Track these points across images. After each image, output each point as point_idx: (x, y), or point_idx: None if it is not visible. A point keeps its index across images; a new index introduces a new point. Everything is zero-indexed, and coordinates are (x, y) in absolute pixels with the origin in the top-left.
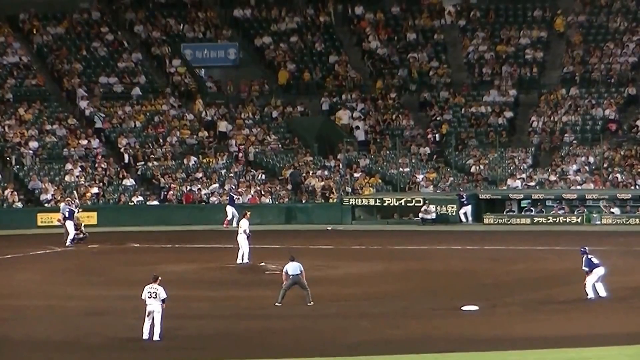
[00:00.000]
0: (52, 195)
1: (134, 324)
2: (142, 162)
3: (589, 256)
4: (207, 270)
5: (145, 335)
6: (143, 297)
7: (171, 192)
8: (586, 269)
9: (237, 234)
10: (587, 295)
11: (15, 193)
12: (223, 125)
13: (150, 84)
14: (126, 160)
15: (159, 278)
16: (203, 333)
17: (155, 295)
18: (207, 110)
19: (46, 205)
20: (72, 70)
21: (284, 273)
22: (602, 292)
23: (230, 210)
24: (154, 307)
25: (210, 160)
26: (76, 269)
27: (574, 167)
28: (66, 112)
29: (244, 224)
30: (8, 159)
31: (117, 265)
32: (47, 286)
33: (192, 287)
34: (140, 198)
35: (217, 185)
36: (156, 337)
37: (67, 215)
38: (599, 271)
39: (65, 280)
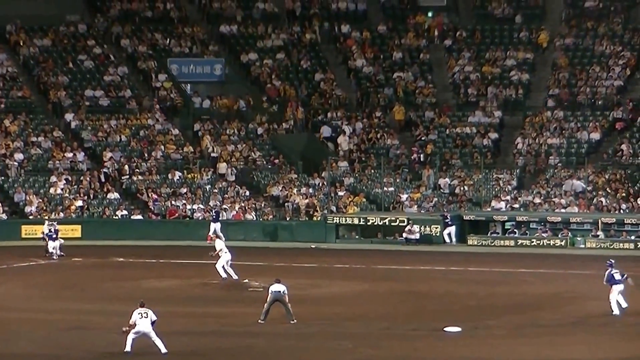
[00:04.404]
0: (36, 207)
1: (116, 339)
2: (127, 176)
3: (613, 271)
4: (191, 286)
5: (128, 349)
6: (132, 321)
7: (154, 203)
8: (607, 283)
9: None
10: (612, 311)
11: (0, 205)
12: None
13: (136, 98)
14: (110, 174)
15: (144, 303)
16: (185, 350)
17: (147, 315)
18: (194, 124)
19: (30, 217)
20: (58, 83)
21: (268, 292)
22: (623, 303)
23: (214, 226)
24: (145, 327)
25: (195, 175)
26: (59, 283)
27: (576, 185)
28: (52, 125)
29: (218, 244)
30: None
31: (101, 280)
32: (29, 299)
33: (175, 303)
34: (125, 212)
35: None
36: (163, 350)
37: (52, 235)
38: (618, 287)
39: (48, 294)
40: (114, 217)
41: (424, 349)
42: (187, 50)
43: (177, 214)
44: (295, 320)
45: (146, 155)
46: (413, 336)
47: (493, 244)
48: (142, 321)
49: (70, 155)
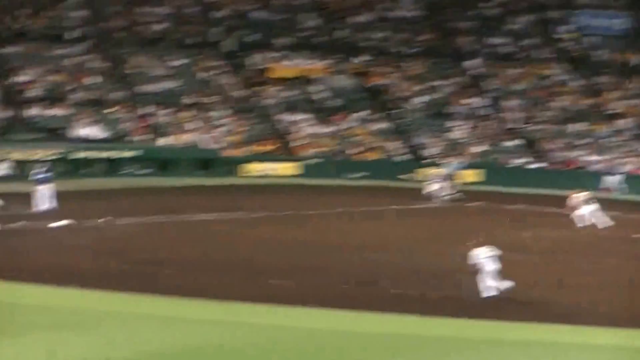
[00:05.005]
0: (435, 150)
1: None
2: (527, 125)
3: None
4: (580, 236)
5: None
6: (481, 260)
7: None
8: None
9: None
10: None
11: (400, 146)
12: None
13: (538, 48)
14: (510, 121)
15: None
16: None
17: (489, 255)
18: (593, 78)
19: (429, 160)
20: (462, 28)
21: None
22: None
23: (611, 179)
24: (490, 265)
25: (595, 127)
26: (453, 228)
27: None
28: (453, 70)
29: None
30: (395, 112)
31: (492, 225)
32: (422, 241)
33: (566, 253)
34: (524, 160)
35: None
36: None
37: (440, 179)
38: None
39: (446, 238)
40: (513, 164)
41: None
42: (592, 2)
43: (575, 164)
44: None
45: (545, 105)
46: None
47: None
48: (490, 262)
49: (470, 100)
